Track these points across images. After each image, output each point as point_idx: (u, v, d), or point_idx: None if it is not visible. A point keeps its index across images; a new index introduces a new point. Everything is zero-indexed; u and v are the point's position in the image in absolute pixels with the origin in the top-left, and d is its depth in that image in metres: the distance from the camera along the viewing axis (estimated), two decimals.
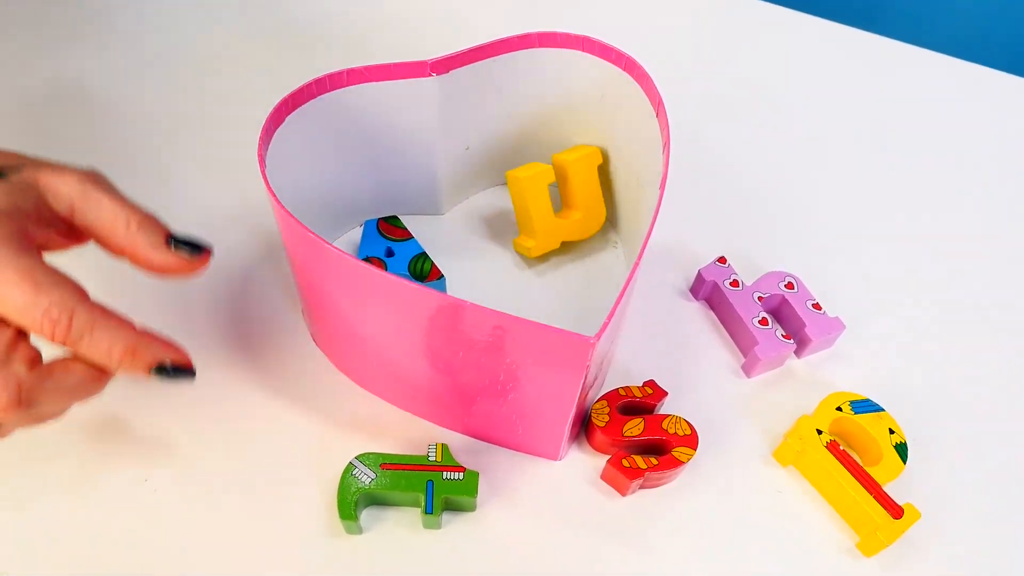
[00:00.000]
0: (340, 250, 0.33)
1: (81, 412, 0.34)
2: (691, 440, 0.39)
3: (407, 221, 0.49)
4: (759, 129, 0.58)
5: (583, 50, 0.43)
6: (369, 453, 0.37)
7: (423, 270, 0.45)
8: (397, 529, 0.37)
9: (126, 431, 0.40)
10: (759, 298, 0.44)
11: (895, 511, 0.37)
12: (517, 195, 0.46)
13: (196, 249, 0.33)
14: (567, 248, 0.48)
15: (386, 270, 0.45)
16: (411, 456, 0.37)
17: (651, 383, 0.41)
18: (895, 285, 0.49)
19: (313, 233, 0.33)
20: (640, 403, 0.40)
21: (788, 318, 0.45)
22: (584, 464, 0.40)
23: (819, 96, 0.62)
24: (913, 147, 0.58)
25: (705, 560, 0.37)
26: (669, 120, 0.39)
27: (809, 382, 0.44)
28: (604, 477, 0.39)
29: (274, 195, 0.34)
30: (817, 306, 0.44)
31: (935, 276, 0.50)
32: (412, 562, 0.36)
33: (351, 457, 0.37)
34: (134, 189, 0.49)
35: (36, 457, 0.39)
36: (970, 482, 0.41)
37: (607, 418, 0.39)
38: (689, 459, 0.38)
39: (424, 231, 0.49)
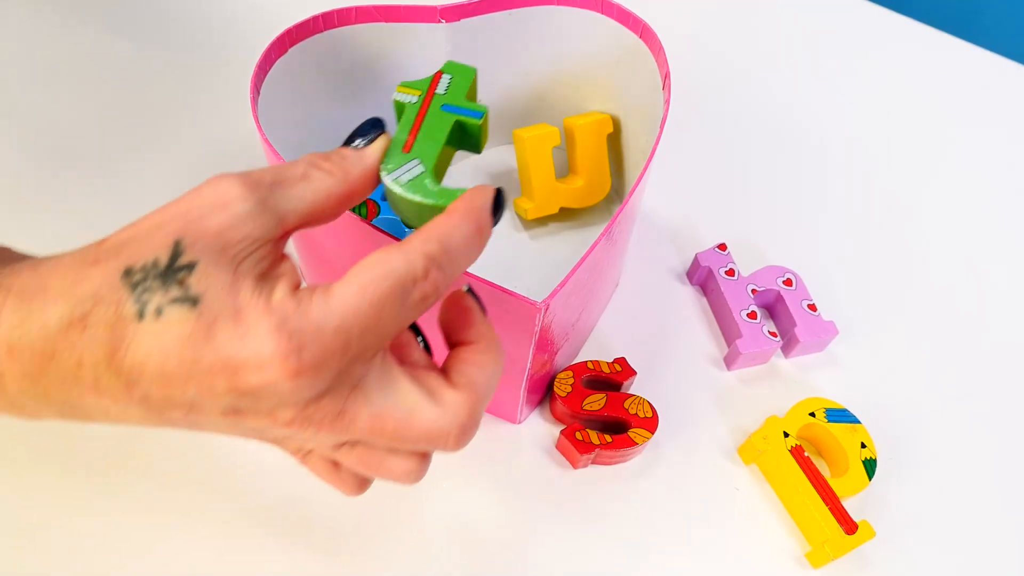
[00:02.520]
0: None
1: None
2: (650, 423, 0.38)
3: None
4: (782, 116, 0.56)
5: (601, 12, 0.41)
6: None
7: None
8: None
9: None
10: (753, 291, 0.43)
11: (849, 526, 0.36)
12: (520, 154, 0.45)
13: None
14: (569, 215, 0.48)
15: (380, 212, 0.45)
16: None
17: (621, 360, 0.40)
18: (901, 298, 0.47)
19: (275, 150, 0.33)
20: (607, 378, 0.40)
21: (781, 315, 0.43)
22: (543, 431, 0.40)
23: (854, 86, 0.58)
24: (943, 151, 0.55)
25: (645, 546, 0.37)
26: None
27: (791, 383, 0.42)
28: (558, 447, 0.39)
29: (260, 125, 0.35)
30: (812, 307, 0.42)
31: (945, 297, 0.47)
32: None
33: None
34: (137, 113, 0.51)
35: None
36: (935, 510, 0.39)
37: (569, 389, 0.39)
38: (645, 441, 0.37)
39: None
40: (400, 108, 0.29)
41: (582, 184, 0.45)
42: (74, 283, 0.21)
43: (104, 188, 0.48)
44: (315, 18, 0.38)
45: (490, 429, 0.40)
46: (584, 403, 0.38)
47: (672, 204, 0.49)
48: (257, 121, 0.35)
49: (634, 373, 0.40)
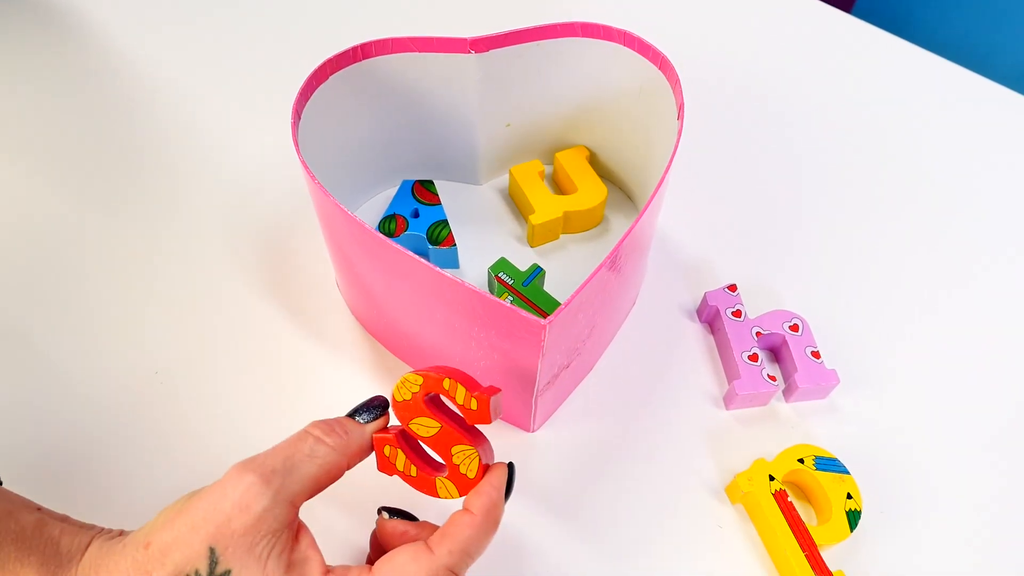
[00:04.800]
0: (338, 204, 0.35)
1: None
2: (466, 485, 0.32)
3: (445, 185, 0.52)
4: (809, 158, 0.56)
5: (623, 44, 0.43)
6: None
7: (439, 236, 0.47)
8: None
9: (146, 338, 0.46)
10: (758, 333, 0.44)
11: (824, 574, 0.36)
12: (513, 187, 0.50)
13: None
14: (589, 241, 0.49)
15: (407, 228, 0.48)
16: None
17: (485, 397, 0.31)
18: (909, 354, 0.46)
19: (317, 180, 0.36)
20: (457, 408, 0.32)
21: (785, 360, 0.44)
22: (551, 443, 0.42)
23: (883, 132, 0.58)
24: (968, 211, 0.54)
25: (626, 573, 0.38)
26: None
27: (788, 427, 0.43)
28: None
29: (299, 149, 0.37)
30: (816, 354, 0.43)
31: (955, 359, 0.46)
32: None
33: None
34: (182, 138, 0.56)
35: None
36: (915, 566, 0.39)
37: (409, 396, 0.32)
38: (447, 498, 0.32)
39: (457, 198, 0.51)
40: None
41: (577, 192, 0.49)
42: None
43: (150, 203, 0.52)
44: (354, 48, 0.41)
45: (502, 436, 0.42)
46: (413, 422, 0.32)
47: (691, 240, 0.50)
48: (296, 146, 0.38)
49: (489, 421, 0.32)
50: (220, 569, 0.26)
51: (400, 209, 0.49)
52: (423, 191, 0.50)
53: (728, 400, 0.43)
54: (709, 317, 0.46)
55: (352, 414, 0.32)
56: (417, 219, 0.48)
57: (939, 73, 0.62)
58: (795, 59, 0.63)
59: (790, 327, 0.44)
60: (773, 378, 0.42)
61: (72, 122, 0.57)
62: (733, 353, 0.43)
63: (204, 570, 0.26)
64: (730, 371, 0.44)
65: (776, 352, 0.45)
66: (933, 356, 0.46)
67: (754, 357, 0.43)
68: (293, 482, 0.28)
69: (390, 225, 0.48)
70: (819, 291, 0.48)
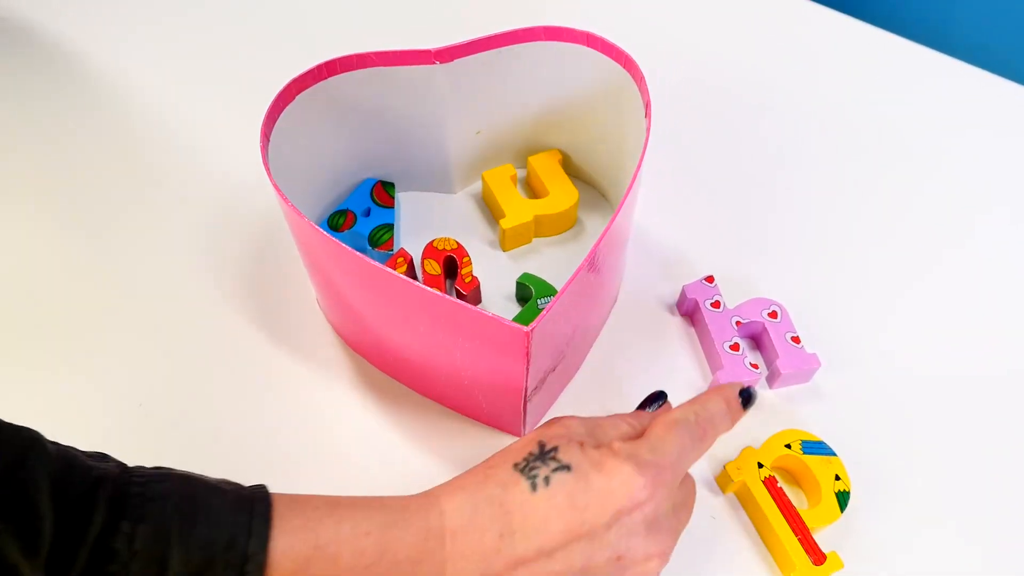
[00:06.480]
0: (314, 225, 0.35)
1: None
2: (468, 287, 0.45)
3: (420, 196, 0.52)
4: (781, 148, 0.57)
5: (587, 46, 0.43)
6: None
7: (380, 239, 0.48)
8: None
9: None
10: (737, 323, 0.44)
11: (817, 556, 0.37)
12: (485, 191, 0.50)
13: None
14: (563, 243, 0.50)
15: (354, 224, 0.48)
16: None
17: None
18: (891, 333, 0.47)
19: (290, 203, 0.36)
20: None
21: (766, 347, 0.45)
22: None
23: (854, 115, 0.59)
24: (936, 188, 0.54)
25: None
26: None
27: (773, 413, 0.44)
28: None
29: (269, 171, 0.37)
30: (796, 339, 0.44)
31: (933, 335, 0.47)
32: None
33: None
34: (156, 161, 0.55)
35: None
36: (904, 545, 0.39)
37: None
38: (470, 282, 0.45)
39: (430, 207, 0.51)
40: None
41: (548, 196, 0.49)
42: (482, 481, 0.31)
43: (126, 231, 0.52)
44: (319, 66, 0.41)
45: (494, 443, 0.42)
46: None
47: (667, 234, 0.51)
48: (267, 168, 0.38)
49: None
50: (548, 447, 0.31)
51: (354, 205, 0.49)
52: (382, 192, 0.50)
53: None
54: (689, 310, 0.46)
55: (642, 407, 0.38)
56: (367, 218, 0.48)
57: (902, 54, 0.63)
58: (759, 48, 0.63)
59: (769, 314, 0.45)
60: (755, 366, 0.43)
61: (47, 150, 0.56)
62: (714, 344, 0.43)
63: (536, 450, 0.31)
64: (713, 362, 0.44)
65: (757, 340, 0.46)
66: (912, 334, 0.47)
67: (735, 347, 0.43)
68: (603, 434, 0.33)
69: (339, 220, 0.48)
70: (795, 277, 0.49)
